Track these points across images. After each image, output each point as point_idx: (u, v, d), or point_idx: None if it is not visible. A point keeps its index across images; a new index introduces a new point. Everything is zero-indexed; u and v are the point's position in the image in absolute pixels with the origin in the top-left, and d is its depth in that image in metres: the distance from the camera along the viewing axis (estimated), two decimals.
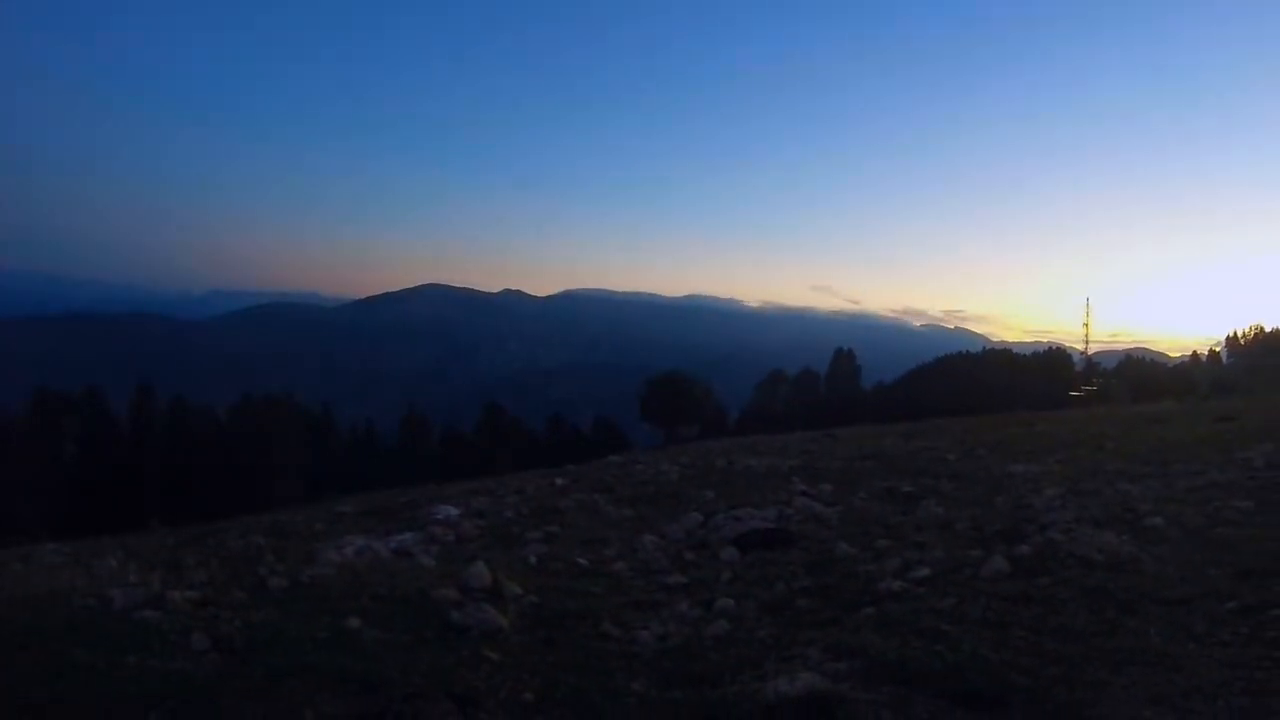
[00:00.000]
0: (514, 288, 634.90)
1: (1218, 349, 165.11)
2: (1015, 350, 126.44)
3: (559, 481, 17.45)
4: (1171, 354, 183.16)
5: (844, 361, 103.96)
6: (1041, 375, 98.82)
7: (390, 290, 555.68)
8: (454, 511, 13.94)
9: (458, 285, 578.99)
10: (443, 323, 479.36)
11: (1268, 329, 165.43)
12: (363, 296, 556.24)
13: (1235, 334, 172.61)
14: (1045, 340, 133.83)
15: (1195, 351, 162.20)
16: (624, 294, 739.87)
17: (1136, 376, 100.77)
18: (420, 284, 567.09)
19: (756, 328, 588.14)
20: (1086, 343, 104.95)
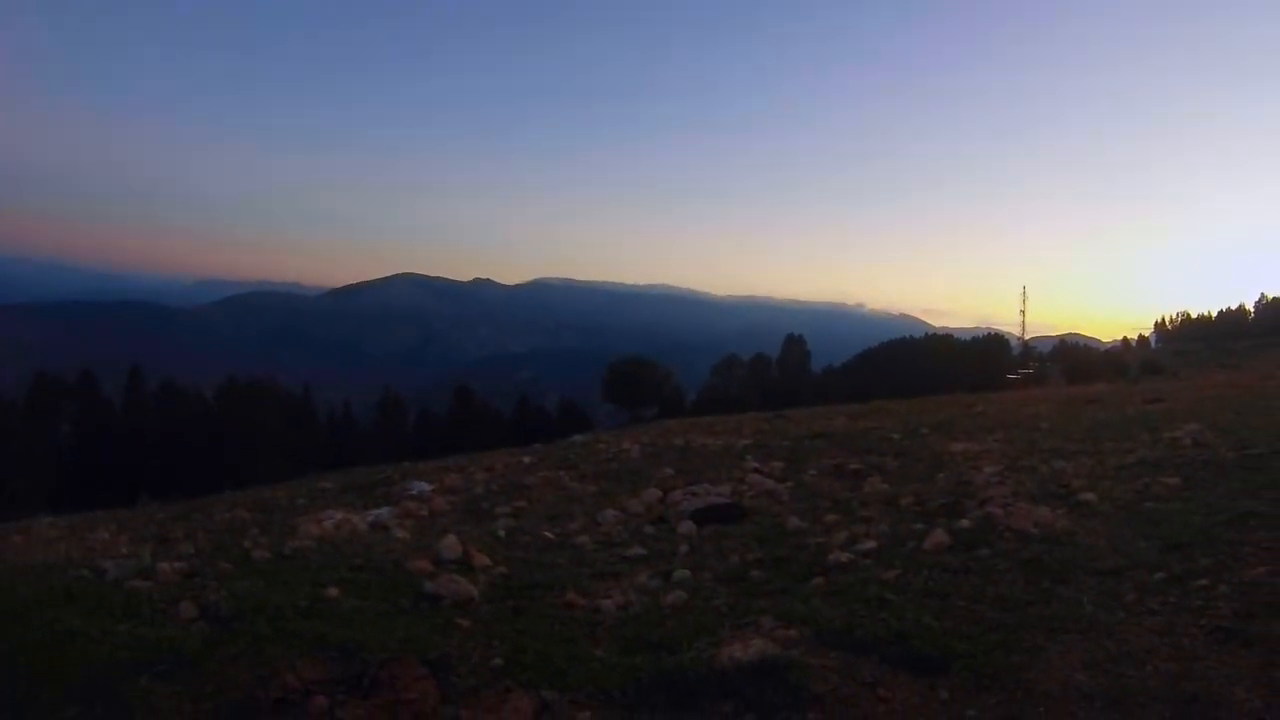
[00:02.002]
0: (485, 276, 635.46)
1: (1147, 334, 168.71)
2: (956, 336, 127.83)
3: (526, 459, 17.46)
4: (1104, 339, 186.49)
5: (795, 347, 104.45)
6: (981, 359, 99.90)
7: (367, 280, 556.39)
8: (427, 488, 13.99)
9: (431, 275, 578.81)
10: (417, 310, 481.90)
11: (1193, 315, 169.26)
12: (341, 285, 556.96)
13: (1163, 320, 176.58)
14: (985, 327, 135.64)
15: (1126, 337, 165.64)
16: (589, 283, 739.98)
17: (1070, 360, 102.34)
18: (396, 273, 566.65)
19: (713, 315, 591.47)
20: (1023, 329, 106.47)
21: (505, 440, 44.17)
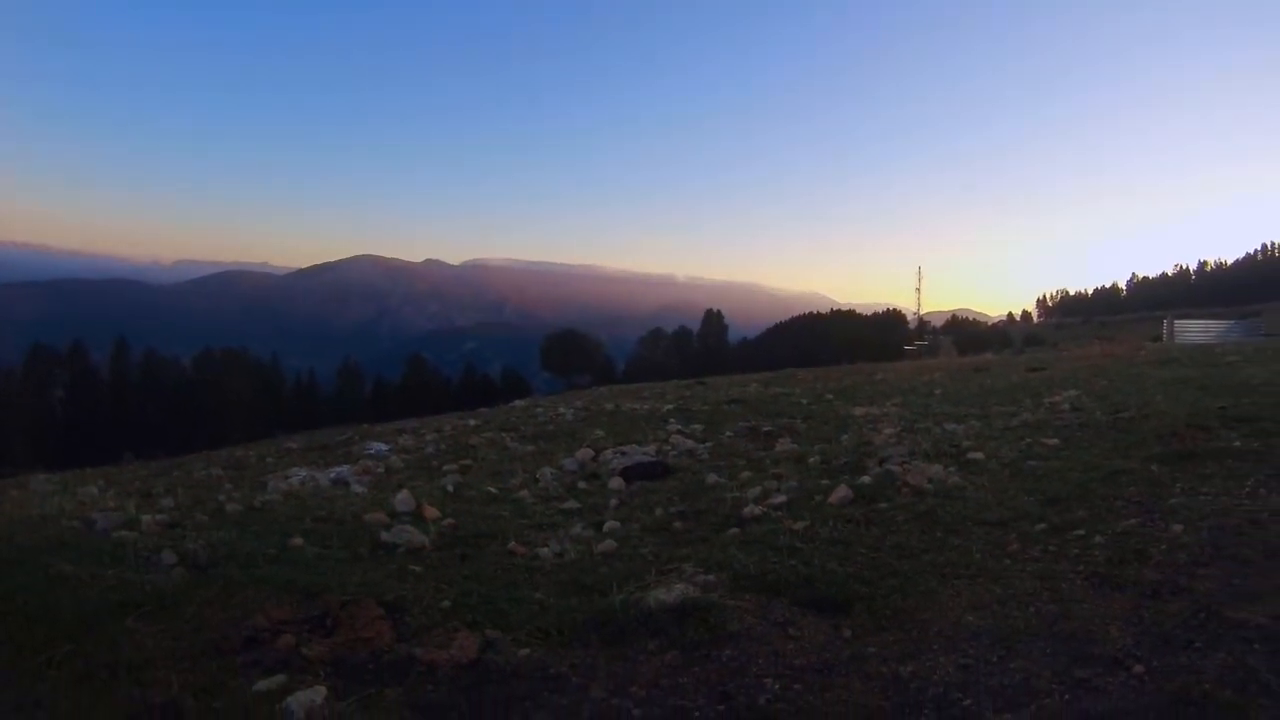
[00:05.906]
0: (434, 257, 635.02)
1: (1030, 310, 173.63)
2: (859, 312, 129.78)
3: (472, 423, 17.38)
4: (991, 314, 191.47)
5: (713, 320, 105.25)
6: (881, 332, 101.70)
7: (329, 261, 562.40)
8: (383, 448, 13.99)
9: (386, 256, 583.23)
10: (373, 288, 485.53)
11: (1072, 292, 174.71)
12: (306, 266, 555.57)
13: (1045, 297, 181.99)
14: (884, 303, 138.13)
15: (1011, 312, 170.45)
16: (528, 263, 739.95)
17: (961, 333, 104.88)
18: (354, 255, 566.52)
19: (641, 292, 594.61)
20: (919, 305, 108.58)
21: (453, 405, 44.19)
